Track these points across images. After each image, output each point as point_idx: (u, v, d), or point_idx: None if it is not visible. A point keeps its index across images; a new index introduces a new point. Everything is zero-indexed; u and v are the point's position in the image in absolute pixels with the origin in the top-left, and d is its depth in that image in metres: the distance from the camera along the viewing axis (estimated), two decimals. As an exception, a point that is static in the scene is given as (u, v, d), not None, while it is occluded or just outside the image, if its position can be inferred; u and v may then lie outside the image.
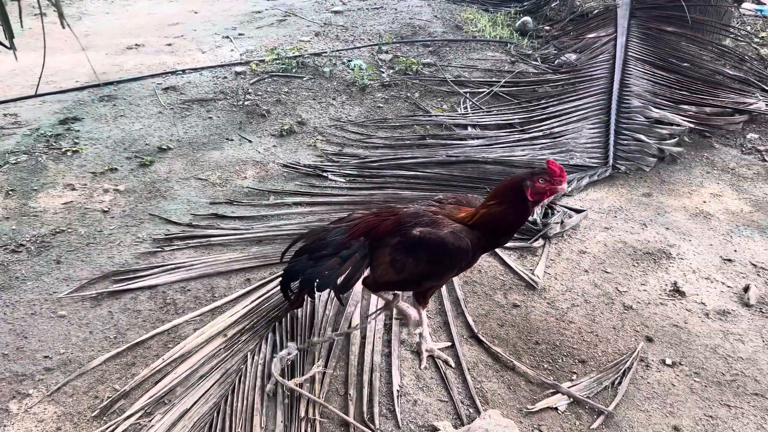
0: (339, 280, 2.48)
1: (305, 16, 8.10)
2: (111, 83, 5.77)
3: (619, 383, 2.68)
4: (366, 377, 2.64)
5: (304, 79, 5.94)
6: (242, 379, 2.62)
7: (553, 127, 4.95)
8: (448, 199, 2.67)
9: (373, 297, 3.07)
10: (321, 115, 5.28)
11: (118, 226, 3.71)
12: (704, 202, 4.13)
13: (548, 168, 2.32)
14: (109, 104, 5.37)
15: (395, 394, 2.57)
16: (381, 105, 5.49)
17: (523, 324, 3.03)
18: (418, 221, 2.46)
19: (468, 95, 5.62)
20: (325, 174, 4.30)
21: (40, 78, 3.97)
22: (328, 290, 2.78)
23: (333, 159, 4.53)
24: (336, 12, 8.31)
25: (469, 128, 5.02)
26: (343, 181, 4.24)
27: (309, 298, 2.83)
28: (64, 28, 2.29)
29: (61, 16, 2.40)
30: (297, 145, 4.77)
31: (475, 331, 2.94)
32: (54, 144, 4.64)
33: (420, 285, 2.58)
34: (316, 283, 2.47)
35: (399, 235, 2.45)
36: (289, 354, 2.68)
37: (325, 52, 6.56)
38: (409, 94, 5.69)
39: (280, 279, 2.64)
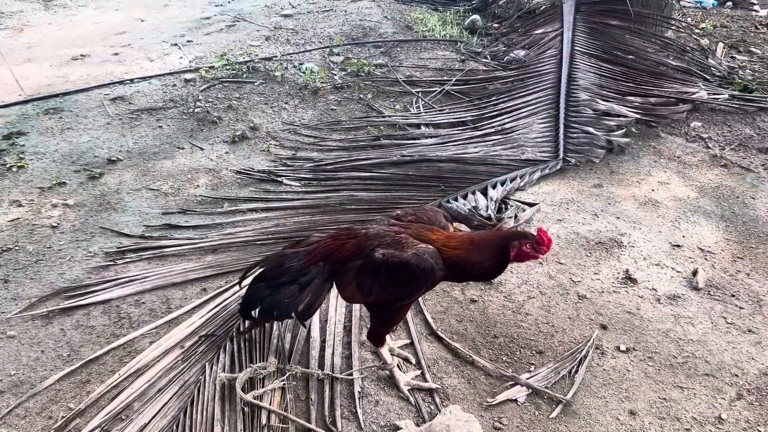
0: (299, 308, 2.41)
1: (255, 21, 8.04)
2: (56, 95, 5.62)
3: (576, 372, 2.73)
4: (327, 380, 2.63)
5: (256, 84, 5.89)
6: (201, 390, 2.58)
7: (504, 124, 5.02)
8: (408, 215, 2.59)
9: (332, 300, 3.06)
10: (274, 119, 5.25)
11: (68, 241, 3.62)
12: (652, 190, 4.24)
13: (538, 236, 2.34)
14: (55, 117, 5.24)
15: (357, 395, 2.57)
16: (334, 107, 5.48)
17: (481, 318, 3.06)
18: (380, 242, 2.40)
19: (420, 95, 5.66)
20: (279, 179, 4.27)
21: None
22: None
23: (287, 163, 4.51)
24: (286, 16, 8.27)
25: (422, 127, 5.05)
26: (299, 185, 4.22)
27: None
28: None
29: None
30: (250, 150, 4.73)
31: (434, 328, 2.97)
32: (-2, 160, 4.51)
33: (390, 306, 2.51)
34: (275, 313, 2.42)
35: (362, 258, 2.39)
36: (265, 369, 2.64)
37: (276, 56, 6.53)
38: (362, 96, 5.69)
39: (239, 308, 2.58)
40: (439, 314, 3.08)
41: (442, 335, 2.93)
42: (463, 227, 3.73)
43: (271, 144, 4.81)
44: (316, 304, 2.46)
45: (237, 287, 3.15)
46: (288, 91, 5.77)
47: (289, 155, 4.64)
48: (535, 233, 2.35)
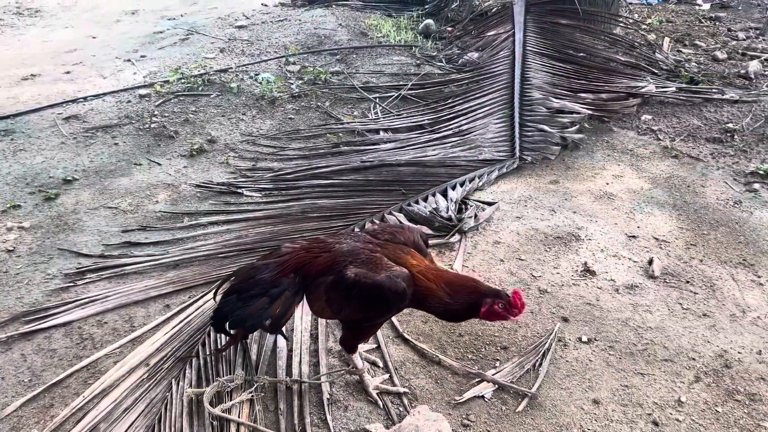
0: (270, 320, 2.40)
1: (209, 33, 8.00)
2: (7, 117, 5.51)
3: (540, 365, 2.78)
4: (295, 388, 2.64)
5: (212, 96, 5.87)
6: (168, 407, 2.57)
7: (461, 125, 5.09)
8: (385, 233, 2.58)
9: (298, 309, 3.06)
10: (231, 131, 5.23)
11: (26, 264, 3.55)
12: (607, 183, 4.34)
13: (513, 299, 2.35)
14: (7, 139, 5.13)
15: (326, 402, 2.58)
16: (292, 116, 5.49)
17: (446, 318, 3.09)
18: (354, 260, 2.39)
19: (377, 100, 5.70)
20: (239, 190, 4.26)
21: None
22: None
23: (247, 174, 4.50)
24: (240, 27, 8.24)
25: (381, 133, 5.09)
26: (259, 195, 4.22)
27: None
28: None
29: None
30: (209, 163, 4.71)
31: (401, 330, 2.99)
32: (-52, 185, 4.40)
33: (360, 325, 2.53)
34: (246, 325, 2.41)
35: (334, 274, 2.38)
36: (232, 381, 2.63)
37: (231, 68, 6.50)
38: (319, 104, 5.71)
39: (211, 322, 2.56)
40: (405, 316, 3.11)
41: (409, 337, 2.96)
42: (426, 229, 3.77)
43: (229, 156, 4.79)
44: (286, 316, 2.45)
45: (200, 302, 3.14)
46: (245, 102, 5.75)
47: (249, 166, 4.63)
48: (510, 294, 2.37)
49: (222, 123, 5.38)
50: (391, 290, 2.30)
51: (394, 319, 3.05)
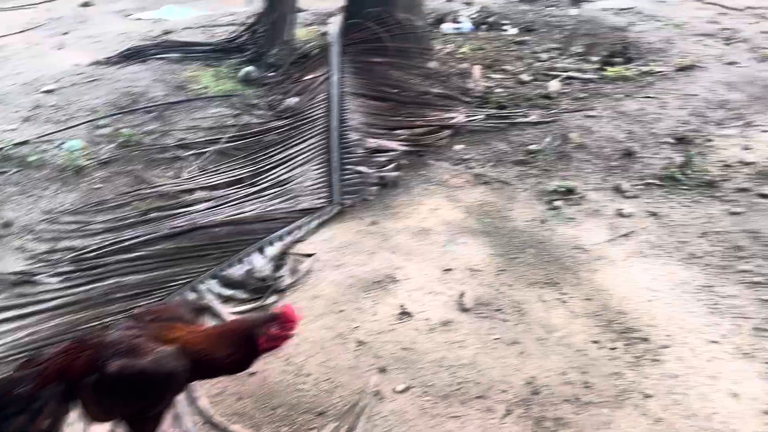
0: None
1: (11, 102, 7.36)
2: None
3: (355, 427, 2.69)
4: (87, 506, 2.37)
5: (10, 173, 5.36)
6: None
7: (280, 175, 4.98)
8: (148, 315, 2.41)
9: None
10: (31, 210, 4.78)
11: None
12: (424, 218, 4.40)
13: (282, 314, 2.21)
14: None
15: None
16: (99, 185, 5.12)
17: (260, 391, 2.94)
18: (116, 350, 2.17)
19: (193, 157, 5.47)
20: (35, 279, 3.87)
21: None
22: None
23: (45, 259, 4.11)
24: (47, 92, 7.66)
25: (196, 192, 4.86)
26: (57, 281, 3.85)
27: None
28: None
29: None
30: (2, 251, 4.25)
31: (210, 414, 2.80)
32: None
33: (140, 419, 2.31)
34: None
35: (96, 373, 2.16)
36: None
37: (30, 139, 6.00)
38: (131, 168, 5.39)
39: None
40: (217, 396, 2.92)
41: (220, 420, 2.77)
42: (241, 293, 3.61)
43: (26, 240, 4.36)
44: (55, 429, 2.20)
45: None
46: (47, 176, 5.30)
47: (48, 249, 4.23)
48: (280, 311, 2.26)
49: (20, 203, 4.91)
50: (159, 373, 2.12)
51: (203, 402, 2.85)
